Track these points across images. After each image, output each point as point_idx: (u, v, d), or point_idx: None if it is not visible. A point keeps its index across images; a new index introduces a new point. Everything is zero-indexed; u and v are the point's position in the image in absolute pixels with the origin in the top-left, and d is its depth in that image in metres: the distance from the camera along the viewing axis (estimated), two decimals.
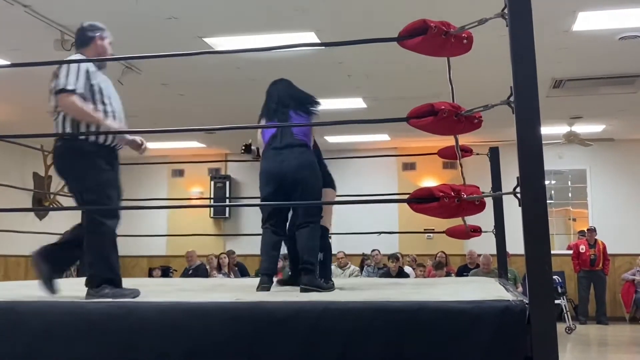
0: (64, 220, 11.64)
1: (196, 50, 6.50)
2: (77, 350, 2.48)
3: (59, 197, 10.30)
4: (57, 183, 12.35)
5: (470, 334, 2.20)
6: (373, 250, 10.85)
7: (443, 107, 2.48)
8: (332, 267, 10.52)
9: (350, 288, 4.01)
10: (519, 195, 2.16)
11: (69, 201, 12.10)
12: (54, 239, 12.36)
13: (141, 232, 11.69)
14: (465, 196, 2.44)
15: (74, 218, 10.64)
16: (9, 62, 6.97)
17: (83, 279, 5.36)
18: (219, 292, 3.68)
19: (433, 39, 2.49)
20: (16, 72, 7.26)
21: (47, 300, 2.74)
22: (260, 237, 4.03)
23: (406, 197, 2.61)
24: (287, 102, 4.00)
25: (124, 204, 5.39)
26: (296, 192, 3.77)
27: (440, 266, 9.97)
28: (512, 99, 2.22)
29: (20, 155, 11.12)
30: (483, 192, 4.81)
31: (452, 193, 2.42)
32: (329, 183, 4.40)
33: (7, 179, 9.76)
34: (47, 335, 2.53)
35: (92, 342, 2.48)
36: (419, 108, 2.55)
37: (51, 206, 12.13)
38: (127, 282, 5.16)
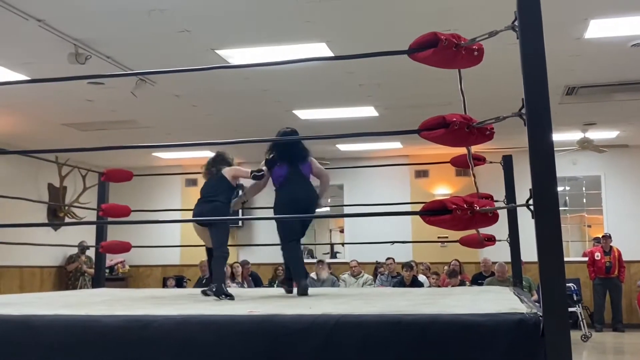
0: (79, 231, 11.79)
1: (209, 62, 6.59)
2: None
3: (74, 207, 10.36)
4: (71, 193, 12.49)
5: (484, 348, 2.19)
6: (388, 259, 10.80)
7: (455, 119, 2.48)
8: (346, 275, 10.56)
9: (363, 298, 4.00)
10: (531, 207, 2.15)
11: (84, 212, 12.16)
12: (69, 251, 12.49)
13: (155, 242, 11.77)
14: (478, 208, 2.44)
15: (89, 229, 10.72)
16: (23, 75, 7.06)
17: (97, 290, 5.40)
18: (233, 304, 3.68)
19: (444, 51, 2.49)
20: (30, 85, 7.34)
21: (63, 314, 2.76)
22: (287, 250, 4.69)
23: (419, 205, 2.61)
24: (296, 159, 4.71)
25: (138, 216, 5.43)
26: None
27: (454, 274, 9.93)
28: (523, 110, 2.22)
29: (35, 167, 11.23)
30: (497, 201, 4.81)
31: (465, 205, 2.42)
32: None
33: (22, 191, 9.86)
34: (63, 349, 2.55)
35: (107, 356, 2.50)
36: (431, 120, 2.55)
37: (66, 217, 12.20)
38: (142, 293, 5.19)
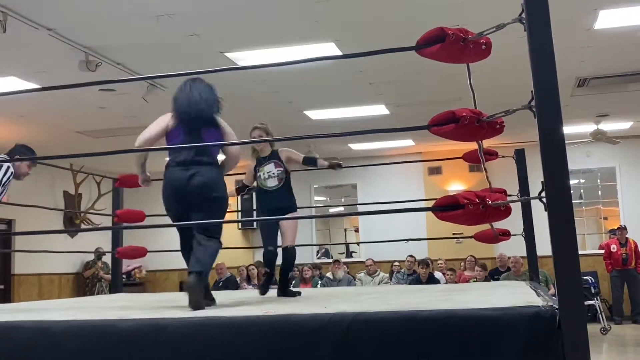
0: (95, 238, 11.86)
1: (219, 65, 6.60)
2: None
3: (90, 214, 10.44)
4: (87, 200, 12.57)
5: (501, 342, 2.18)
6: (409, 256, 10.74)
7: (464, 114, 2.48)
8: (362, 274, 10.55)
9: (379, 296, 4.01)
10: (544, 200, 2.14)
11: (100, 218, 12.20)
12: (86, 257, 12.58)
13: (172, 246, 11.80)
14: (490, 202, 2.43)
15: (105, 235, 10.76)
16: (35, 85, 7.12)
17: (114, 296, 5.44)
18: (249, 305, 3.70)
19: (451, 46, 2.48)
20: (43, 93, 7.40)
21: (80, 320, 2.78)
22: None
23: (433, 202, 2.61)
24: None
25: (153, 220, 5.48)
26: None
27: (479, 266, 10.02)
28: (533, 103, 2.21)
29: (50, 175, 11.32)
30: (510, 195, 4.80)
31: (477, 200, 2.41)
32: None
33: (39, 199, 9.94)
34: (81, 354, 2.57)
35: None
36: (440, 115, 2.54)
37: (82, 224, 12.29)
38: (159, 297, 5.23)
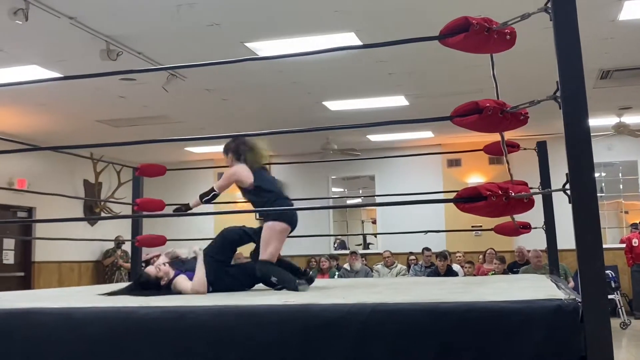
0: (115, 226, 11.95)
1: (239, 55, 6.61)
2: (132, 355, 2.54)
3: (110, 203, 10.51)
4: (107, 189, 12.67)
5: (522, 335, 2.16)
6: (427, 250, 10.70)
7: (488, 104, 2.45)
8: (379, 266, 10.54)
9: (398, 288, 3.99)
10: (568, 192, 2.11)
11: (120, 207, 12.33)
12: (106, 245, 12.71)
13: (189, 235, 11.87)
14: (513, 194, 2.40)
15: (124, 224, 10.87)
16: (57, 73, 7.17)
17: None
18: (269, 294, 3.70)
19: (475, 36, 2.45)
20: (64, 83, 7.46)
21: (102, 306, 2.80)
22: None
23: (452, 194, 2.59)
24: None
25: (171, 209, 5.51)
26: None
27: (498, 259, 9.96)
28: (558, 93, 2.18)
29: (70, 164, 11.41)
30: (531, 188, 4.76)
31: (500, 191, 2.39)
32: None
33: (59, 187, 10.03)
34: (102, 339, 2.59)
35: (146, 347, 2.53)
36: (463, 106, 2.51)
37: (102, 212, 12.39)
38: None
